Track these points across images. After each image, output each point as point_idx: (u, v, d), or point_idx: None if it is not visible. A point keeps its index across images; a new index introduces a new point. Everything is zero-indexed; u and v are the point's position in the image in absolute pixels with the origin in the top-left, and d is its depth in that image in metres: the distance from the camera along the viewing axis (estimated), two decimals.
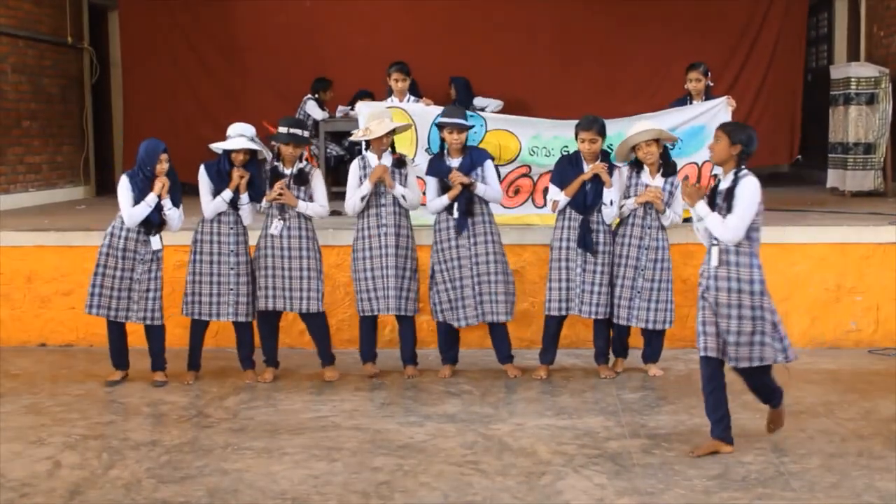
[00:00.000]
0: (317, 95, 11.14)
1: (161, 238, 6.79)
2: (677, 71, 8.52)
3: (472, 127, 7.14)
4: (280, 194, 6.69)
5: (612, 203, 6.75)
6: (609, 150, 7.16)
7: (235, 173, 6.71)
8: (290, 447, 5.50)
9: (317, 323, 7.01)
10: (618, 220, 6.90)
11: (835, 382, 6.80)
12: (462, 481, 4.97)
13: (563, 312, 6.90)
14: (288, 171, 6.80)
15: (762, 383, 5.47)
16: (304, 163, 6.90)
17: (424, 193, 7.04)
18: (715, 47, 11.46)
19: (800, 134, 12.17)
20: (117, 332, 6.92)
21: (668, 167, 6.84)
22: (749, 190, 5.18)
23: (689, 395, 6.45)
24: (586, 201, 6.76)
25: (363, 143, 7.24)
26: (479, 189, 6.80)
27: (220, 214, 6.79)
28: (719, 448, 5.32)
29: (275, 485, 4.94)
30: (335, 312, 7.81)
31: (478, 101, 10.53)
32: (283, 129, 6.73)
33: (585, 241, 6.77)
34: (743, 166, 5.22)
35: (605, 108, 8.26)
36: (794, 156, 12.26)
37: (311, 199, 6.82)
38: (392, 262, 6.80)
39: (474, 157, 6.88)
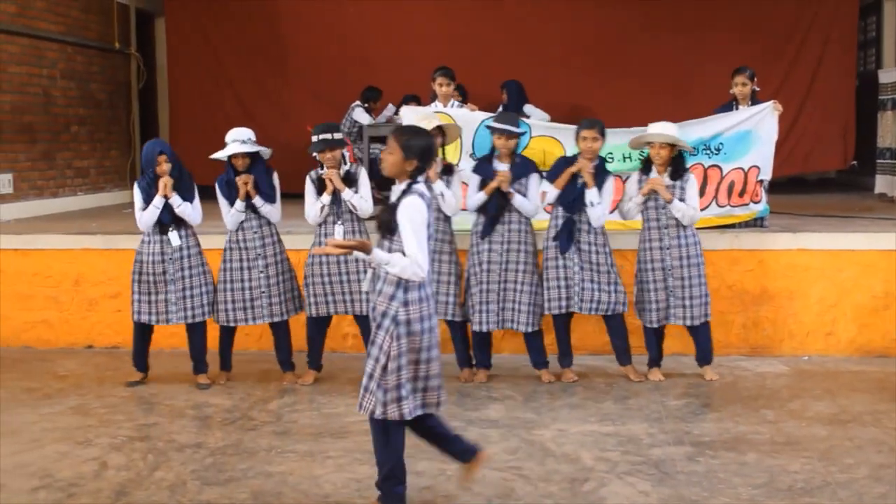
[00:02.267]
0: (367, 105, 11.23)
1: (182, 235, 6.83)
2: (722, 76, 8.45)
3: (524, 134, 7.11)
4: (330, 179, 6.69)
5: (592, 205, 6.75)
6: (608, 159, 7.26)
7: (239, 181, 6.76)
8: (333, 450, 5.51)
9: (369, 324, 7.01)
10: (626, 220, 6.98)
11: (883, 391, 6.71)
12: (505, 486, 4.96)
13: (564, 310, 6.89)
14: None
15: None
16: (349, 164, 6.92)
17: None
18: (760, 52, 11.37)
19: (854, 139, 12.00)
20: (143, 337, 7.02)
21: (676, 172, 6.81)
22: (410, 211, 4.44)
23: (733, 402, 6.40)
24: (569, 199, 6.78)
25: None
26: (517, 200, 6.78)
27: (243, 222, 6.84)
28: None
29: (318, 488, 4.96)
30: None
31: (527, 108, 10.50)
32: (313, 139, 6.76)
33: (561, 239, 6.79)
34: (415, 181, 4.55)
35: (649, 113, 8.18)
36: (848, 161, 12.10)
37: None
38: (436, 268, 6.80)
39: (522, 168, 6.86)
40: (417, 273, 4.40)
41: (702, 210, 7.84)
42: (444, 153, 6.93)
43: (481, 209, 6.86)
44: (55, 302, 8.33)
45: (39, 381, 7.17)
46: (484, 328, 6.89)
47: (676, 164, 6.82)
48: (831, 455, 5.38)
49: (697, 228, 7.56)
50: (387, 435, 4.54)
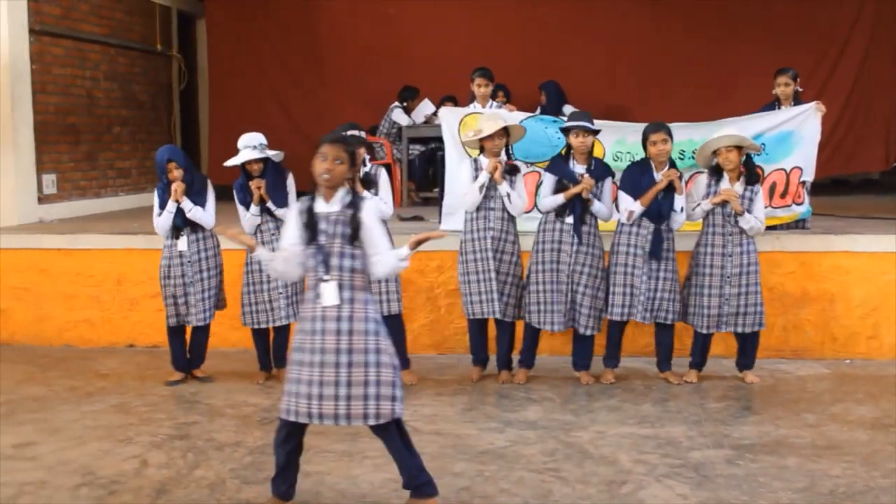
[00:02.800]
0: (405, 104, 11.25)
1: (195, 238, 6.89)
2: (764, 77, 8.38)
3: (600, 131, 7.02)
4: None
5: (682, 210, 6.70)
6: (680, 158, 7.12)
7: (252, 186, 6.80)
8: (370, 451, 5.52)
9: (395, 325, 7.04)
10: (688, 223, 6.84)
11: None
12: (542, 488, 4.95)
13: (626, 318, 6.86)
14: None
15: None
16: (368, 165, 6.91)
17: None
18: (802, 53, 11.24)
19: None
20: (178, 337, 7.10)
21: (750, 176, 6.73)
22: (374, 214, 4.55)
23: (774, 405, 6.35)
24: (661, 210, 6.71)
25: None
26: (595, 206, 6.74)
27: (260, 225, 6.88)
28: None
29: (355, 488, 4.97)
30: (416, 317, 7.84)
31: (566, 109, 10.49)
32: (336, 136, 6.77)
33: (656, 252, 6.73)
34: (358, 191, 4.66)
35: (689, 113, 8.17)
36: (891, 162, 11.95)
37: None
38: (494, 266, 6.77)
39: (599, 171, 6.80)
40: (402, 267, 4.51)
41: None
42: (508, 153, 6.88)
43: (559, 211, 6.77)
44: (97, 301, 8.42)
45: (82, 380, 7.26)
46: (556, 328, 6.85)
47: (748, 169, 6.73)
48: (874, 459, 5.32)
49: None
50: (402, 434, 4.61)
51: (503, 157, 6.78)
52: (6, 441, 5.80)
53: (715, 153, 6.72)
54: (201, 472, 5.24)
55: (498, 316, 6.83)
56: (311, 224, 4.48)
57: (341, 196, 4.49)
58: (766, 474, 5.11)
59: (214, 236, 7.03)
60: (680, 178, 6.71)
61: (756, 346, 6.97)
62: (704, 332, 6.84)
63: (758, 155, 7.73)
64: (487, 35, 12.01)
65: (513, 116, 7.93)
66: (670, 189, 6.67)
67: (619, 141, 7.78)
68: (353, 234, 4.44)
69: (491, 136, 6.67)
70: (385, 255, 4.48)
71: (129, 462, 5.41)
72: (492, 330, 7.10)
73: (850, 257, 7.65)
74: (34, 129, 9.89)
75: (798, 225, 8.08)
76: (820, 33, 11.71)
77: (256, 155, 6.75)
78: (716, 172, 6.78)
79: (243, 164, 6.80)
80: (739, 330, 6.81)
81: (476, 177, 6.77)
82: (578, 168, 6.77)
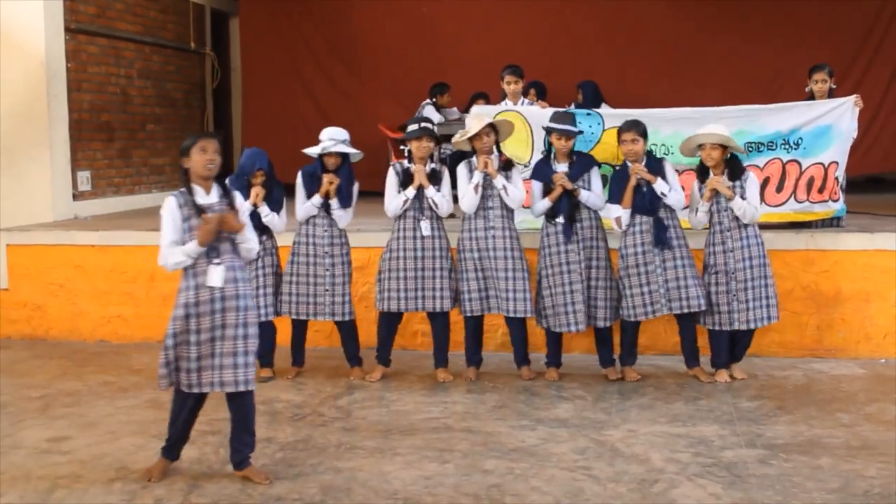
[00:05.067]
0: (434, 100, 11.23)
1: (260, 241, 6.87)
2: (799, 74, 8.31)
3: (581, 133, 7.08)
4: (418, 172, 6.76)
5: (666, 195, 6.69)
6: (667, 154, 7.43)
7: (325, 178, 6.82)
8: (401, 448, 5.53)
9: (442, 322, 7.05)
10: (705, 224, 6.85)
11: None
12: (573, 487, 4.94)
13: (651, 315, 6.84)
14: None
15: None
16: (435, 163, 6.95)
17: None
18: (837, 51, 11.13)
19: None
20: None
21: (733, 171, 6.71)
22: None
23: (807, 405, 6.29)
24: (647, 203, 6.72)
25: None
26: (583, 196, 6.77)
27: (314, 217, 6.91)
28: None
29: (387, 485, 4.98)
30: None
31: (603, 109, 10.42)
32: (413, 126, 6.78)
33: (661, 239, 6.73)
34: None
35: (729, 103, 8.10)
36: None
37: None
38: (503, 265, 6.79)
39: (581, 164, 6.86)
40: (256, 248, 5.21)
41: (779, 206, 7.76)
42: (499, 149, 6.93)
43: (550, 215, 6.83)
44: (131, 297, 8.49)
45: (116, 375, 7.32)
46: (573, 329, 6.86)
47: (731, 165, 6.73)
48: None
49: (775, 224, 7.46)
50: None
51: (494, 153, 6.82)
52: (41, 435, 5.86)
53: (700, 147, 6.71)
54: (233, 467, 5.25)
55: (504, 313, 6.87)
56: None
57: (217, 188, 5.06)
58: (799, 474, 5.06)
59: (274, 237, 7.05)
60: (662, 161, 6.82)
61: (751, 339, 6.96)
62: (717, 329, 6.81)
63: (795, 149, 7.69)
64: (521, 33, 11.98)
65: (546, 114, 7.87)
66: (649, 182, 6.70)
67: (653, 132, 7.53)
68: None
69: (479, 135, 6.73)
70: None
71: None
72: (490, 330, 7.14)
73: (886, 256, 7.56)
74: (69, 126, 9.98)
75: (833, 223, 8.01)
76: (855, 29, 11.59)
77: (339, 149, 6.78)
78: (702, 172, 6.80)
79: (321, 156, 6.84)
80: (752, 326, 6.78)
81: (472, 178, 6.80)
82: (560, 167, 6.83)
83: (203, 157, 4.95)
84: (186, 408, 5.07)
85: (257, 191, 6.79)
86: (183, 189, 5.00)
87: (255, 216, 6.80)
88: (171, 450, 5.17)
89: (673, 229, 6.79)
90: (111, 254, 8.55)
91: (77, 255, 8.61)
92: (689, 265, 6.77)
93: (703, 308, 6.78)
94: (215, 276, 4.90)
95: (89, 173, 10.45)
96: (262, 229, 6.88)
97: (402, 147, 6.98)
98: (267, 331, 7.06)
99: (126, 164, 11.27)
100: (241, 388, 4.94)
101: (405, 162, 6.97)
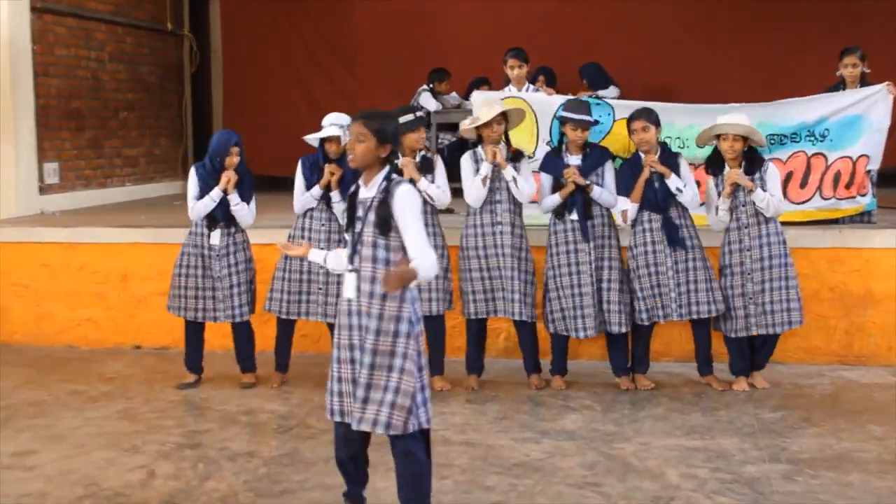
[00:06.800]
0: (431, 86, 11.21)
1: (228, 233, 6.93)
2: (828, 60, 8.28)
3: (598, 123, 7.06)
4: (405, 167, 6.70)
5: (680, 191, 6.68)
6: (682, 147, 7.43)
7: (327, 169, 6.81)
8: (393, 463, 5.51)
9: (437, 326, 7.02)
10: (723, 224, 6.81)
11: None
12: None
13: (661, 320, 6.83)
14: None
15: None
16: (424, 151, 6.93)
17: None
18: (868, 37, 11.08)
19: None
20: (196, 335, 7.13)
21: (752, 165, 6.68)
22: (409, 203, 4.37)
23: (835, 416, 6.29)
24: (659, 199, 6.71)
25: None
26: (595, 192, 6.74)
27: (311, 210, 6.91)
28: None
29: (379, 502, 4.96)
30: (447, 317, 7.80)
31: (611, 91, 10.40)
32: (409, 117, 6.76)
33: (673, 238, 6.72)
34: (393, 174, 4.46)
35: (740, 96, 8.06)
36: None
37: None
38: (511, 264, 6.77)
39: (595, 157, 6.83)
40: (436, 268, 4.35)
41: (804, 203, 7.75)
42: (507, 140, 6.90)
43: (560, 211, 6.81)
44: (102, 299, 8.47)
45: (85, 383, 7.30)
46: (582, 335, 6.85)
47: (749, 158, 6.69)
48: None
49: (799, 223, 7.43)
50: (419, 449, 4.47)
51: (502, 145, 6.81)
52: (5, 449, 5.83)
53: (718, 137, 6.68)
54: (212, 483, 5.24)
55: (515, 317, 6.86)
56: (350, 210, 4.48)
57: (378, 180, 4.41)
58: (827, 492, 5.05)
59: (244, 231, 7.05)
60: (677, 157, 6.79)
61: (774, 344, 6.94)
62: (732, 335, 6.79)
63: (821, 141, 7.66)
64: (526, 13, 11.93)
65: (552, 101, 7.89)
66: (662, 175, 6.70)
67: (668, 124, 7.55)
68: (383, 224, 4.35)
69: (489, 124, 6.69)
70: (417, 259, 4.29)
71: (136, 473, 5.42)
72: (492, 335, 7.14)
73: None
74: (35, 114, 9.96)
75: (863, 218, 7.99)
76: (890, 15, 11.55)
77: (339, 133, 6.77)
78: (713, 165, 6.78)
79: (322, 144, 6.85)
80: (771, 331, 6.76)
81: (477, 170, 6.76)
82: (572, 160, 6.81)
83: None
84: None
85: (229, 175, 6.78)
86: None
87: (223, 204, 6.80)
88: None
89: (685, 229, 6.77)
90: (80, 252, 8.52)
91: (43, 253, 8.58)
92: (702, 267, 6.76)
93: (716, 314, 6.78)
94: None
95: (57, 165, 10.43)
96: (229, 221, 6.88)
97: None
98: (244, 333, 7.07)
99: (97, 155, 11.24)
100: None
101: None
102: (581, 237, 6.76)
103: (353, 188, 4.53)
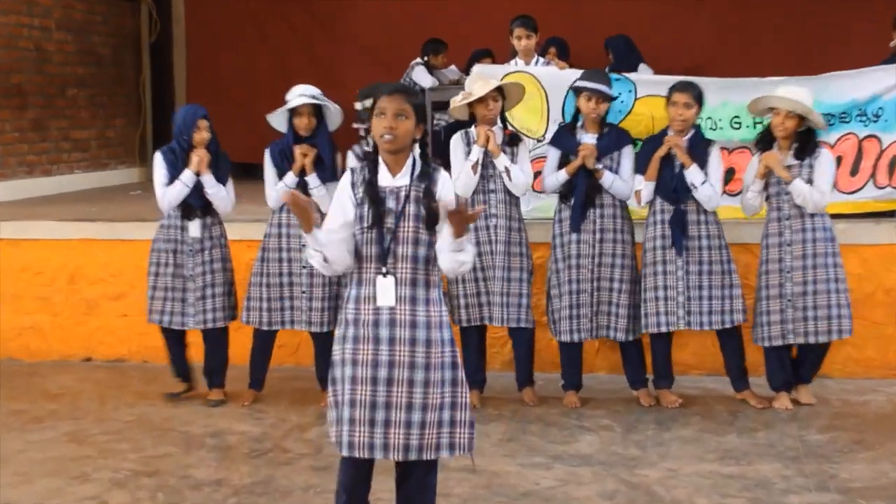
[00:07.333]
0: (426, 59, 11.20)
1: (206, 224, 6.94)
2: (883, 22, 8.29)
3: (618, 97, 7.03)
4: None
5: (696, 187, 6.65)
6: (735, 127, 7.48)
7: (298, 151, 6.78)
8: (383, 491, 5.46)
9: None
10: (762, 210, 6.81)
11: None
12: None
13: (669, 328, 6.82)
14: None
15: None
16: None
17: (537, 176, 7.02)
18: None
19: None
20: (174, 340, 7.13)
21: (803, 149, 6.62)
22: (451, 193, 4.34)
23: (892, 439, 6.28)
24: (669, 186, 6.71)
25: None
26: (607, 180, 6.72)
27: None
28: None
29: None
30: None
31: (641, 69, 10.38)
32: (357, 105, 6.75)
33: (675, 238, 6.71)
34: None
35: (782, 70, 8.06)
36: None
37: None
38: (503, 262, 6.76)
39: (612, 138, 6.81)
40: (463, 266, 4.26)
41: (854, 192, 7.73)
42: (504, 121, 6.90)
43: (564, 193, 6.79)
44: (47, 303, 8.45)
45: (28, 402, 7.29)
46: (575, 338, 6.85)
47: (803, 140, 6.65)
48: None
49: (850, 216, 7.41)
50: (434, 478, 4.53)
51: (498, 125, 6.78)
52: None
53: (772, 110, 6.67)
54: None
55: (506, 324, 6.89)
56: (374, 203, 4.25)
57: (409, 166, 4.29)
58: None
59: (222, 224, 7.04)
60: (709, 144, 6.76)
61: (823, 354, 6.90)
62: (766, 345, 6.78)
63: (874, 121, 7.64)
64: None
65: (564, 76, 7.87)
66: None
67: (723, 104, 7.64)
68: (432, 216, 4.21)
69: (483, 100, 6.66)
70: (443, 250, 4.19)
71: None
72: (494, 344, 7.18)
73: None
74: None
75: None
76: None
77: (310, 101, 6.74)
78: (762, 142, 6.76)
79: (291, 124, 6.81)
80: (811, 340, 6.71)
81: (469, 153, 6.74)
82: (587, 138, 6.78)
83: (380, 123, 4.21)
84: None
85: (200, 154, 6.77)
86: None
87: (197, 189, 6.77)
88: None
89: (703, 225, 6.74)
90: (23, 249, 8.51)
91: None
92: (719, 271, 6.74)
93: (730, 326, 6.78)
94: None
95: None
96: (206, 209, 6.85)
97: (359, 126, 6.86)
98: (216, 342, 7.05)
99: (42, 138, 11.25)
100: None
101: (365, 146, 6.87)
102: (572, 226, 6.75)
103: (365, 175, 4.30)
